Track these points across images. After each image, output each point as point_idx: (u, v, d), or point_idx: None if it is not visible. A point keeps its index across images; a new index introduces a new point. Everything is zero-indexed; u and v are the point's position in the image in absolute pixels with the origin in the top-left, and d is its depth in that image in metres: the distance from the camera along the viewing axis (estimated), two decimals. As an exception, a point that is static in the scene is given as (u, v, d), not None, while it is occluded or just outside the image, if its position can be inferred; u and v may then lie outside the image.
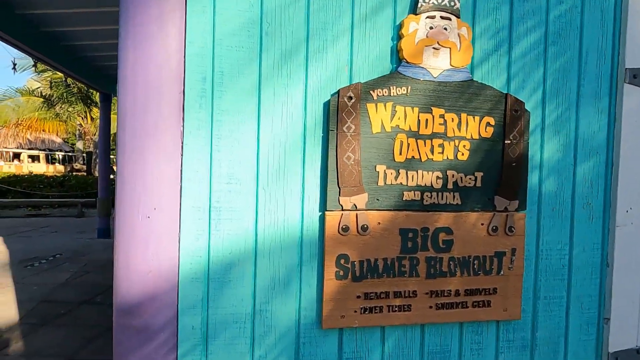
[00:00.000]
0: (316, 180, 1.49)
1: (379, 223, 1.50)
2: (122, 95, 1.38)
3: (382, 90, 1.48)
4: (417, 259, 1.53)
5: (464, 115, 1.54)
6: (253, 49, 1.43)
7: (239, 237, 1.45)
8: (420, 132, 1.52)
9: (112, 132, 10.87)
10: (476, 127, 1.55)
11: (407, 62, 1.49)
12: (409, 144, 1.51)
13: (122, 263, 1.38)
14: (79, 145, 24.03)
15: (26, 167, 23.60)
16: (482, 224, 1.58)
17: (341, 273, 1.48)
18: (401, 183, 1.51)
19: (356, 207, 1.48)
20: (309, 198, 1.49)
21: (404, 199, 1.51)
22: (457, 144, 1.54)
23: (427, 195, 1.53)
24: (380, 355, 1.57)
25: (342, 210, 1.47)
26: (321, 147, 1.49)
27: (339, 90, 1.45)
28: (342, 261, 1.48)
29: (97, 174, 16.69)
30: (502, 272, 1.60)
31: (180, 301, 1.42)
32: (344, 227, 1.47)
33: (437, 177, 1.53)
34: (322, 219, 1.49)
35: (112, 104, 10.00)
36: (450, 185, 1.55)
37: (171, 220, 1.40)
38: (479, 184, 1.56)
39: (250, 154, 1.45)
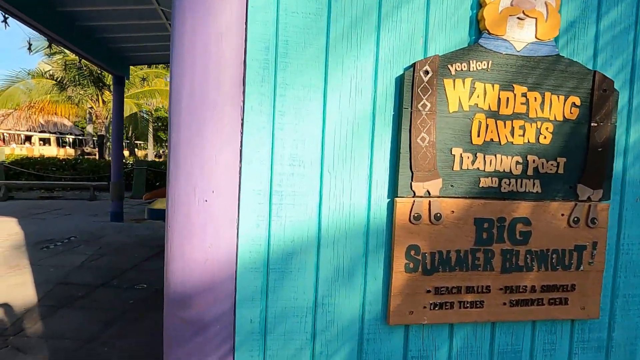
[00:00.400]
0: (385, 164, 1.35)
1: (453, 212, 1.36)
2: (178, 69, 1.24)
3: (461, 64, 1.33)
4: (492, 251, 1.40)
5: (547, 95, 1.39)
6: (320, 14, 1.29)
7: (302, 224, 1.32)
8: (500, 112, 1.37)
9: (124, 116, 10.77)
10: (560, 108, 1.40)
11: (489, 34, 1.34)
12: (487, 125, 1.36)
13: (176, 250, 1.27)
14: (89, 128, 24.00)
15: (37, 149, 23.69)
16: (563, 215, 1.44)
17: (411, 265, 1.35)
18: (478, 168, 1.37)
19: (429, 193, 1.34)
20: (377, 183, 1.35)
21: (480, 185, 1.38)
22: (539, 126, 1.40)
23: (505, 182, 1.39)
24: (448, 354, 1.45)
25: (414, 196, 1.34)
26: (391, 127, 1.35)
27: (414, 64, 1.31)
28: (413, 252, 1.35)
29: (108, 157, 16.70)
30: (581, 268, 1.46)
31: (238, 292, 1.30)
32: (415, 215, 1.33)
33: (517, 162, 1.39)
34: (390, 206, 1.36)
35: (125, 87, 9.89)
36: (530, 172, 1.40)
37: (230, 205, 1.27)
38: (561, 170, 1.42)
39: (315, 133, 1.31)
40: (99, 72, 15.42)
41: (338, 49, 1.30)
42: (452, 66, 1.33)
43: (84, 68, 14.96)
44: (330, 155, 1.32)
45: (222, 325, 1.29)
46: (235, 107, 1.25)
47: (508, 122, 1.38)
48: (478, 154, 1.36)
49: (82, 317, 4.68)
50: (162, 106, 21.33)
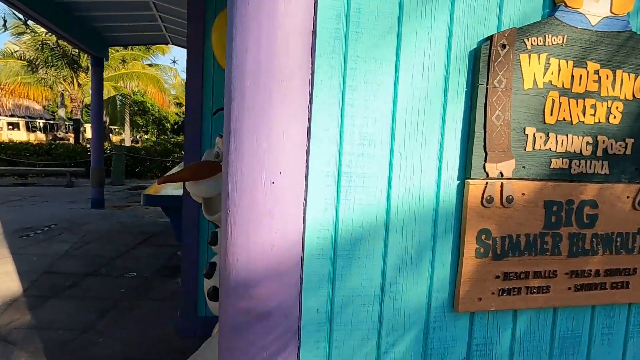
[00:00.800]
0: (456, 143, 1.28)
1: (523, 194, 1.31)
2: (241, 39, 1.12)
3: (537, 38, 1.26)
4: (561, 235, 1.36)
5: (619, 72, 1.34)
6: (394, -19, 1.19)
7: (371, 208, 1.24)
8: (572, 90, 1.31)
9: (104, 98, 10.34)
10: (631, 87, 1.35)
11: (566, 6, 1.27)
12: (560, 104, 1.30)
13: (239, 237, 1.16)
14: (61, 112, 23.08)
15: (5, 134, 22.63)
16: (628, 197, 1.40)
17: (482, 250, 1.29)
18: (550, 149, 1.31)
19: (502, 175, 1.28)
20: (447, 164, 1.28)
21: (551, 167, 1.32)
22: (609, 105, 1.35)
23: (575, 164, 1.34)
24: (510, 340, 1.40)
25: (487, 178, 1.27)
26: (463, 105, 1.27)
27: (492, 36, 1.23)
28: (484, 237, 1.29)
29: (83, 142, 16.08)
30: (643, 251, 1.44)
31: (305, 280, 1.21)
32: (488, 198, 1.27)
33: (587, 143, 1.34)
34: (460, 188, 1.29)
35: (104, 69, 9.48)
36: (599, 153, 1.36)
37: (297, 188, 1.17)
38: (628, 151, 1.38)
39: (385, 111, 1.22)
40: (74, 53, 14.73)
41: (412, 19, 1.21)
42: (528, 40, 1.25)
43: (58, 48, 14.25)
44: (401, 134, 1.24)
45: (287, 315, 1.20)
46: (304, 81, 1.15)
47: (580, 101, 1.32)
48: (550, 134, 1.31)
49: (73, 307, 4.50)
50: (139, 90, 20.68)
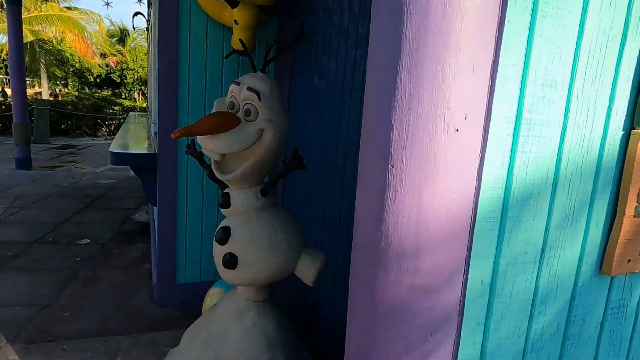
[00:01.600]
0: (626, 88, 1.12)
1: (677, 147, 1.19)
2: None
3: None
4: (700, 190, 1.28)
5: None
6: None
7: (544, 162, 1.05)
8: None
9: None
10: None
11: None
12: None
13: (406, 198, 0.93)
14: (-43, 59, 19.91)
15: None
16: None
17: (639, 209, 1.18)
18: None
19: (667, 125, 1.15)
20: (617, 111, 1.12)
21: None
22: None
23: None
24: (637, 301, 1.34)
25: (657, 129, 1.14)
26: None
27: (685, -38, 1.06)
28: (642, 194, 1.17)
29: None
30: None
31: (473, 248, 1.02)
32: (654, 150, 1.14)
33: None
34: (624, 139, 1.15)
35: (22, 9, 8.16)
36: None
37: (477, 137, 0.95)
38: None
39: (570, 44, 1.02)
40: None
41: None
42: None
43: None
44: (581, 75, 1.04)
45: (452, 289, 1.01)
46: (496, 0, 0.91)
47: None
48: None
49: (24, 279, 3.97)
50: (55, 36, 18.28)
